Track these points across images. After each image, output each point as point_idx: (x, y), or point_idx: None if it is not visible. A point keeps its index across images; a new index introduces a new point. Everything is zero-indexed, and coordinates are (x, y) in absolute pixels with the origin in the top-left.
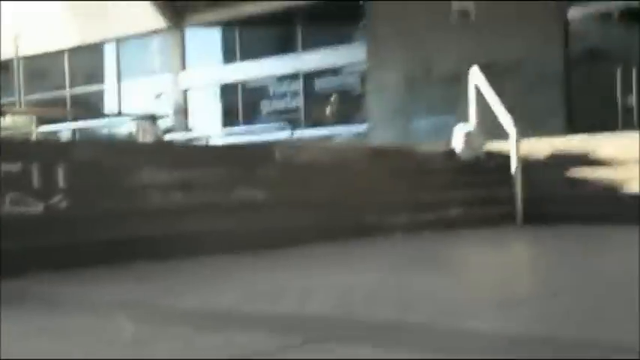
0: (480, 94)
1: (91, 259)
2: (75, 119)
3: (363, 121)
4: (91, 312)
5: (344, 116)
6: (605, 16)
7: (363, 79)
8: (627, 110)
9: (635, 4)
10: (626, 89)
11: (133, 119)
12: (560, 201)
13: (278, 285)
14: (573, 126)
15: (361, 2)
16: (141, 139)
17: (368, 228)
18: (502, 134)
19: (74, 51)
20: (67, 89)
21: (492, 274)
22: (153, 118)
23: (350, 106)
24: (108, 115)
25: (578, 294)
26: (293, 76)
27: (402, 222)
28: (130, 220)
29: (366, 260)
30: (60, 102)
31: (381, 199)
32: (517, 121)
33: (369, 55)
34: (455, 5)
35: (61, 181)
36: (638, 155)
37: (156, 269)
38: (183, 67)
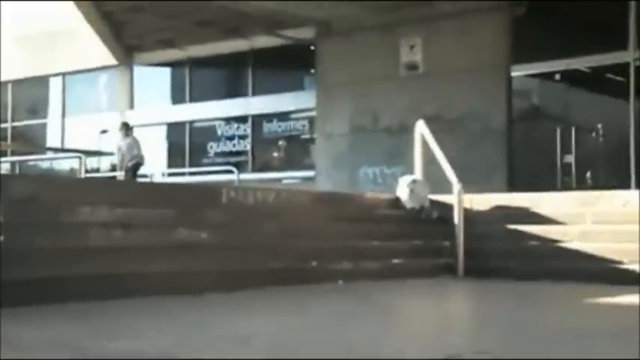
0: (425, 146)
1: (24, 298)
2: (16, 153)
3: (310, 166)
4: (18, 353)
5: (291, 161)
6: (548, 76)
7: (312, 125)
8: (565, 169)
9: (575, 65)
10: (566, 148)
11: (76, 155)
12: (501, 255)
13: (211, 331)
14: (514, 181)
15: (312, 48)
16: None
17: (310, 274)
18: (446, 186)
19: (18, 83)
20: (9, 122)
21: (431, 326)
22: (97, 155)
23: (298, 152)
24: (50, 150)
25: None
26: (242, 119)
27: (344, 269)
28: (67, 257)
29: (304, 307)
30: (1, 135)
31: (325, 246)
32: (460, 174)
33: (318, 102)
34: (404, 57)
35: None
36: (575, 213)
37: (91, 309)
38: (131, 105)
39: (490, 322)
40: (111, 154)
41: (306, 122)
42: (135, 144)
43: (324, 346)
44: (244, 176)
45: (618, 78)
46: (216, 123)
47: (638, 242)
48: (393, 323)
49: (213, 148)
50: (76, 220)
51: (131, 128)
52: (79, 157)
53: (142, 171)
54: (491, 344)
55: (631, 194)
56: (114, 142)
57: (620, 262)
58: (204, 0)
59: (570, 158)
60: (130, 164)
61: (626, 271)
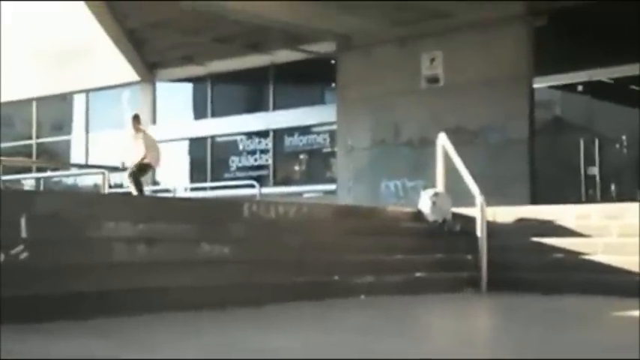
0: (447, 159)
1: (51, 313)
2: (41, 169)
3: (332, 180)
4: None
5: (313, 175)
6: (570, 87)
7: (333, 138)
8: (590, 181)
9: (598, 76)
10: (589, 160)
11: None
12: (525, 268)
13: (235, 346)
14: (537, 194)
15: (333, 62)
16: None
17: (332, 288)
18: (468, 199)
19: (42, 100)
20: (34, 139)
21: (452, 339)
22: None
23: (319, 165)
24: (74, 166)
25: None
26: (263, 134)
27: (366, 283)
28: (92, 273)
29: (328, 322)
30: (26, 151)
31: (347, 260)
32: (483, 188)
33: (338, 116)
34: (424, 71)
35: (23, 232)
36: (600, 226)
37: (117, 324)
38: (154, 120)
39: (510, 337)
40: None
41: (327, 136)
42: (147, 141)
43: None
44: (266, 190)
45: None
46: (238, 137)
47: None
48: (416, 339)
49: (234, 162)
50: (100, 236)
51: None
52: (103, 173)
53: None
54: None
55: None
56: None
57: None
58: (223, 16)
59: (594, 170)
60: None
61: None
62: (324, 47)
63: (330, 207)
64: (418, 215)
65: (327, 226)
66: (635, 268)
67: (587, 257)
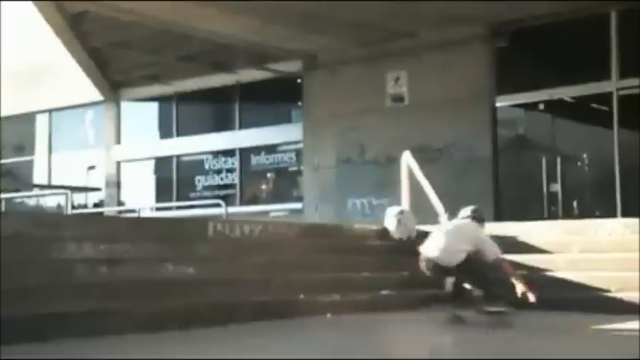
0: (412, 177)
1: (12, 335)
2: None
3: (298, 198)
4: None
5: (280, 194)
6: (532, 106)
7: (299, 157)
8: (552, 198)
9: (559, 95)
10: (552, 177)
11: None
12: (493, 284)
13: None
14: (501, 210)
15: (299, 81)
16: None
17: (298, 307)
18: (433, 217)
19: (5, 120)
20: None
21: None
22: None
23: (285, 184)
24: (37, 186)
25: None
26: (229, 152)
27: (332, 302)
28: (54, 294)
29: (293, 342)
30: None
31: (313, 278)
32: (447, 204)
33: (305, 134)
34: (389, 89)
35: None
36: (562, 242)
37: (79, 347)
38: (118, 140)
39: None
40: (98, 189)
41: (293, 155)
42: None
43: None
44: (232, 209)
45: (602, 107)
46: (204, 157)
47: (625, 270)
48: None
49: (201, 181)
50: (62, 257)
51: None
52: (66, 194)
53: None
54: None
55: (616, 223)
56: (99, 177)
57: (607, 291)
58: (187, 34)
59: (556, 187)
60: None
61: (613, 299)
62: (290, 66)
63: (296, 225)
64: (384, 233)
65: (293, 244)
66: (596, 284)
67: (550, 273)
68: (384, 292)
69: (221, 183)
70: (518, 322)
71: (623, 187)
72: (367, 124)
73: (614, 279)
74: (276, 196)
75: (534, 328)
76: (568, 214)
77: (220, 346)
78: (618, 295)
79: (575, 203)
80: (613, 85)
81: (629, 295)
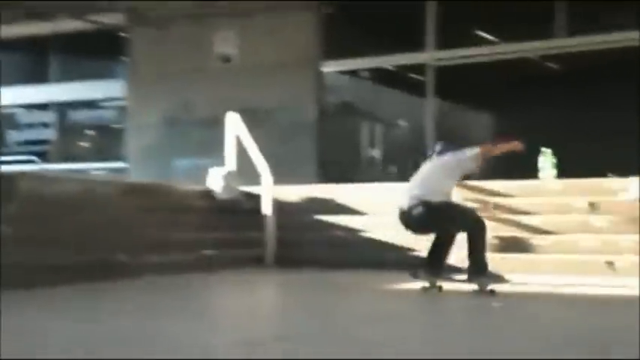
0: (238, 138)
1: None
2: None
3: (121, 157)
4: None
5: (102, 152)
6: (356, 73)
7: (123, 114)
8: (371, 162)
9: (380, 63)
10: (372, 143)
11: None
12: (310, 245)
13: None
14: (324, 174)
15: (123, 36)
16: None
17: (118, 268)
18: (258, 178)
19: None
20: None
21: (236, 316)
22: None
23: (108, 142)
24: None
25: (312, 337)
26: (45, 107)
27: (154, 262)
28: None
29: (110, 304)
30: None
31: (134, 238)
32: (272, 167)
33: (129, 91)
34: (217, 50)
35: None
36: (377, 204)
37: None
38: None
39: (292, 311)
40: None
41: (116, 112)
42: None
43: (123, 345)
44: (48, 167)
45: (419, 77)
46: (17, 110)
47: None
48: (199, 315)
49: (13, 137)
50: None
51: None
52: None
53: None
54: (292, 330)
55: None
56: None
57: (413, 250)
58: None
59: (376, 152)
60: None
61: (421, 259)
62: (114, 19)
63: (116, 183)
64: (208, 193)
65: (112, 203)
66: (405, 244)
67: (365, 234)
68: (207, 252)
69: (36, 138)
70: (331, 281)
71: None
72: (194, 84)
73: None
74: (98, 154)
75: (329, 285)
76: (386, 178)
77: (19, 309)
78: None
79: (392, 167)
80: (427, 57)
81: None
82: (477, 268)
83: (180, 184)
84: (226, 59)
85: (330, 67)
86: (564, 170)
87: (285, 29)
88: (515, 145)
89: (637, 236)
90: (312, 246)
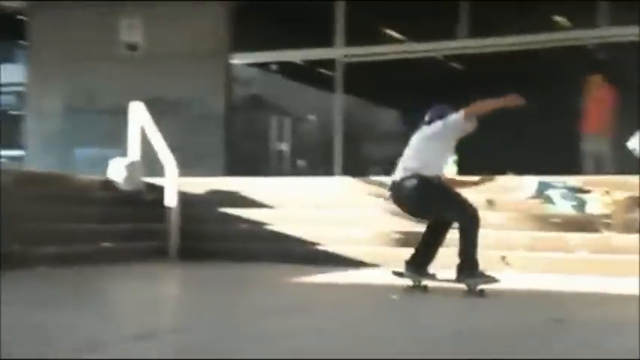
0: (143, 128)
1: None
2: None
3: (19, 145)
4: None
5: None
6: (265, 66)
7: (22, 100)
8: (280, 155)
9: (289, 57)
10: (280, 136)
11: None
12: (214, 238)
13: None
14: (232, 166)
15: (23, 19)
16: None
17: (11, 258)
18: (163, 170)
19: None
20: None
21: (132, 309)
22: None
23: (5, 129)
24: None
25: (207, 329)
26: None
27: (51, 253)
28: None
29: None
30: None
31: (29, 229)
32: (178, 159)
33: (28, 77)
34: (123, 37)
35: None
36: (285, 198)
37: None
38: None
39: (190, 304)
40: None
41: (15, 97)
42: None
43: (6, 334)
44: None
45: (328, 72)
46: None
47: (337, 226)
48: (92, 308)
49: None
50: None
51: None
52: None
53: None
54: (186, 323)
55: (336, 181)
56: None
57: (318, 244)
58: None
59: (284, 146)
60: None
61: (325, 252)
62: (14, 3)
63: (11, 172)
64: (109, 184)
65: (8, 192)
66: (310, 238)
67: (271, 227)
68: (107, 244)
69: None
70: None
71: (343, 149)
72: (99, 72)
73: (323, 235)
74: None
75: (230, 278)
76: (294, 172)
77: None
78: (329, 248)
79: (300, 161)
80: (336, 53)
81: (339, 249)
82: (468, 267)
83: (80, 174)
84: (132, 47)
85: (239, 60)
86: (464, 167)
87: (194, 19)
88: (512, 100)
89: (530, 233)
90: (217, 239)
